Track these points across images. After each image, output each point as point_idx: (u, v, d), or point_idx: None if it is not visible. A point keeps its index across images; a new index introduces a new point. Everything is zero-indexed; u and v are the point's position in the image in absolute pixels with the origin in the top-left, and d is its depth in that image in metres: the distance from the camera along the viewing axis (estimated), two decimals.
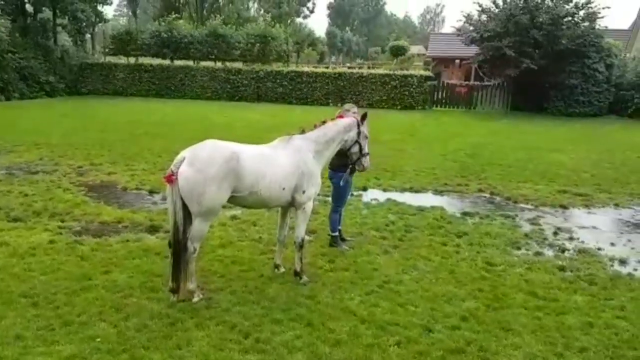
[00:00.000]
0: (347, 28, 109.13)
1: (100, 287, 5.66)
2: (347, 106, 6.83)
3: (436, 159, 13.61)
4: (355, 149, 6.27)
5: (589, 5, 25.30)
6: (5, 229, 7.47)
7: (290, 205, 5.99)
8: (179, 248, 5.25)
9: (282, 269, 6.28)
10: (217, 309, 5.28)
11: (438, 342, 4.81)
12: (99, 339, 4.66)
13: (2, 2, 29.36)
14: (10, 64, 26.06)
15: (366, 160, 6.42)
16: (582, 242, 7.82)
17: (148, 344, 4.61)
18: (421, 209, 9.21)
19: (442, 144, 16.29)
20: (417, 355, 4.61)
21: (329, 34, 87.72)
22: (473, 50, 28.87)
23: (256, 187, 5.41)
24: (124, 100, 28.29)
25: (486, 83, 29.64)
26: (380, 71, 32.00)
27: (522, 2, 25.55)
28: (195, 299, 5.38)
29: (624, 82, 25.76)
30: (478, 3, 27.44)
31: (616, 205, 10.07)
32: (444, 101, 29.20)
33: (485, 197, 10.48)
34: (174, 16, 33.60)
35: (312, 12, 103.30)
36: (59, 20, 32.47)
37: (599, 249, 7.53)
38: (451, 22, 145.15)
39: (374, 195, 10.16)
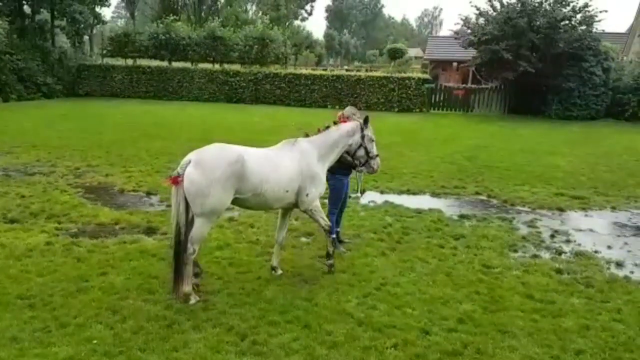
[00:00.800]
0: (345, 31, 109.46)
1: (97, 289, 5.65)
2: (348, 110, 6.84)
3: (433, 162, 13.62)
4: (361, 152, 6.36)
5: (586, 9, 25.36)
6: (2, 230, 7.46)
7: (294, 207, 6.08)
8: (179, 249, 5.32)
9: (280, 272, 6.28)
10: (214, 310, 5.27)
11: (435, 344, 4.81)
12: (95, 341, 4.65)
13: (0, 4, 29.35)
14: (7, 65, 26.06)
15: (375, 163, 6.48)
16: (579, 244, 7.83)
17: (144, 346, 4.60)
18: (419, 212, 9.22)
19: (440, 146, 16.32)
20: (414, 357, 4.61)
21: (327, 36, 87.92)
22: (471, 53, 28.92)
23: (260, 190, 5.52)
24: (122, 102, 28.26)
25: (484, 86, 29.71)
26: (378, 74, 32.03)
27: (519, 5, 25.58)
28: (192, 301, 5.39)
29: (621, 85, 25.81)
30: (476, 6, 27.52)
31: (613, 208, 10.08)
32: (441, 104, 29.22)
33: (482, 199, 10.50)
34: (172, 18, 33.62)
35: (310, 14, 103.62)
36: (57, 22, 32.51)
37: (596, 251, 7.54)
38: (449, 25, 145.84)
39: (371, 197, 10.16)
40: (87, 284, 5.77)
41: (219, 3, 71.64)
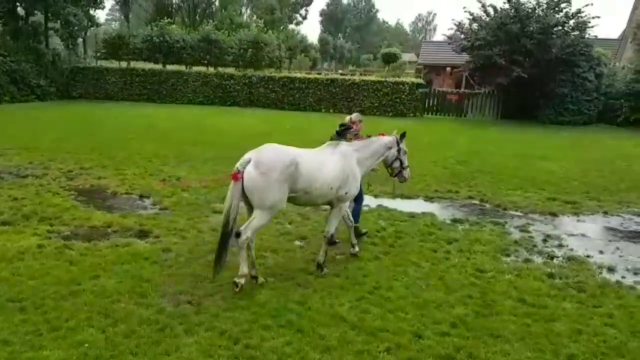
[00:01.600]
0: (339, 35, 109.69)
1: (89, 292, 5.63)
2: (355, 116, 7.61)
3: (427, 166, 13.64)
4: (397, 163, 7.15)
5: (579, 15, 25.54)
6: None
7: (332, 203, 6.59)
8: (226, 239, 5.76)
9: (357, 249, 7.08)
10: (206, 314, 5.26)
11: (427, 348, 4.82)
12: (87, 345, 4.62)
13: None
14: (1, 67, 25.90)
15: (407, 172, 7.31)
16: (571, 249, 7.87)
17: (136, 350, 4.59)
18: (412, 216, 9.25)
19: (433, 150, 16.35)
20: None
21: (321, 40, 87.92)
22: (464, 58, 29.03)
23: (310, 189, 6.09)
24: (115, 104, 28.18)
25: (477, 91, 29.83)
26: (372, 78, 32.12)
27: (512, 11, 25.72)
28: (242, 281, 5.81)
29: (613, 91, 25.98)
30: (469, 12, 27.63)
31: (605, 213, 10.14)
32: (435, 109, 29.29)
33: (475, 204, 10.53)
34: (166, 21, 33.56)
35: (304, 18, 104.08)
36: (50, 24, 32.35)
37: (588, 256, 7.58)
38: (442, 30, 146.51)
39: (365, 201, 10.14)
40: (79, 287, 5.74)
41: (213, 6, 71.69)
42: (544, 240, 8.25)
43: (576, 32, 25.64)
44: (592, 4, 25.93)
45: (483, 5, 26.95)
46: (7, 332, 4.77)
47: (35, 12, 31.27)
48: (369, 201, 10.17)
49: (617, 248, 8.10)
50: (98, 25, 40.77)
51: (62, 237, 7.42)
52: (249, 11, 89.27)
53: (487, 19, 26.84)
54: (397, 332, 5.07)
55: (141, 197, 9.91)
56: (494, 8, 26.64)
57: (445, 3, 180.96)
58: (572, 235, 8.65)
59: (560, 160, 15.41)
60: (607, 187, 12.15)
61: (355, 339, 4.93)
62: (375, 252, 7.34)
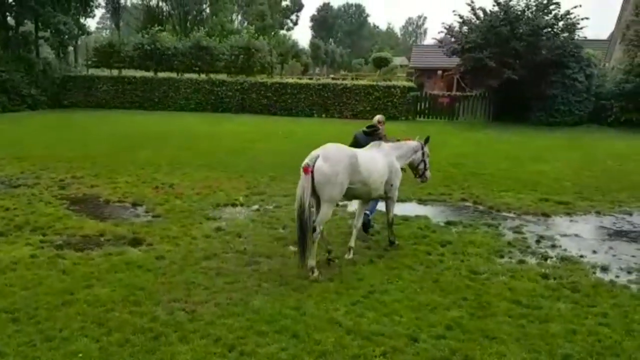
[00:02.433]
0: (330, 40, 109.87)
1: (82, 302, 5.59)
2: (381, 117, 8.57)
3: None
4: (421, 165, 8.13)
5: (568, 17, 25.68)
6: None
7: (380, 196, 7.56)
8: (305, 227, 6.26)
9: (352, 254, 7.28)
10: (201, 322, 5.24)
11: (423, 351, 4.82)
12: (80, 355, 4.60)
13: None
14: None
15: (428, 173, 8.27)
16: (565, 249, 7.89)
17: (131, 359, 4.56)
18: (405, 219, 9.25)
19: None
20: None
21: (312, 45, 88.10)
22: (455, 61, 29.15)
23: (367, 181, 6.94)
24: (107, 112, 28.09)
25: (468, 94, 29.94)
26: (364, 82, 32.14)
27: (502, 13, 25.84)
28: (315, 274, 6.39)
29: (604, 91, 26.12)
30: (459, 15, 27.73)
31: (597, 213, 10.18)
32: (426, 112, 29.36)
33: (468, 206, 10.56)
34: (157, 28, 33.58)
35: (295, 24, 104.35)
36: (41, 33, 32.31)
37: (582, 256, 7.60)
38: (433, 33, 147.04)
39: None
40: (72, 297, 5.71)
41: (204, 13, 71.59)
42: (538, 241, 8.27)
43: (565, 34, 25.79)
44: (580, 6, 25.93)
45: (473, 8, 27.08)
46: (0, 343, 4.73)
47: (25, 21, 31.18)
48: None
49: (610, 247, 8.13)
50: (89, 33, 40.66)
51: (54, 246, 7.37)
52: (240, 18, 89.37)
53: (477, 21, 26.95)
54: (392, 336, 5.06)
55: (134, 205, 9.87)
56: (484, 11, 26.76)
57: (436, 7, 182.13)
58: (565, 235, 8.67)
59: (552, 161, 15.47)
60: (599, 187, 12.20)
61: (350, 344, 4.92)
62: (369, 255, 7.33)
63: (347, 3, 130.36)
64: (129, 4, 70.51)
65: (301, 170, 6.38)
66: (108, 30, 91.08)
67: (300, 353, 4.72)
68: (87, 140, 17.47)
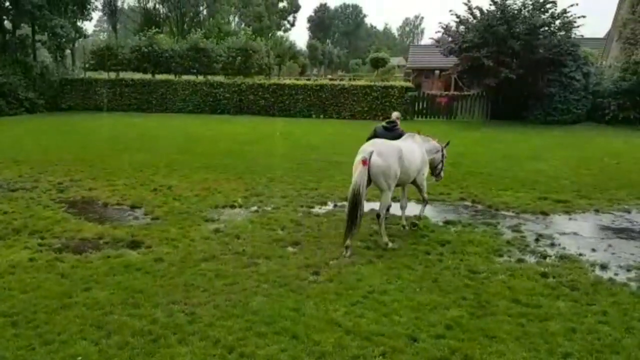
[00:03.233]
0: (327, 41, 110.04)
1: (81, 305, 5.59)
2: (397, 114, 9.68)
3: None
4: (440, 165, 9.11)
5: (564, 15, 25.71)
6: None
7: (412, 182, 8.44)
8: (357, 212, 7.09)
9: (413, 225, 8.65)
10: (200, 323, 5.23)
11: (423, 351, 4.82)
12: (80, 358, 4.59)
13: None
14: None
15: (442, 173, 9.28)
16: (564, 248, 7.89)
17: None
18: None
19: None
20: None
21: (310, 46, 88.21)
22: (452, 61, 29.18)
23: (409, 170, 7.90)
24: (105, 115, 28.07)
25: (466, 93, 29.96)
26: (362, 83, 32.14)
27: (499, 12, 25.86)
28: (390, 245, 7.63)
29: (601, 89, 26.14)
30: (456, 14, 27.76)
31: (596, 211, 10.19)
32: (425, 112, 29.37)
33: (467, 205, 10.56)
34: (154, 31, 33.53)
35: (293, 25, 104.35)
36: (38, 37, 32.25)
37: (580, 254, 7.60)
38: (430, 33, 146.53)
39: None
40: (70, 300, 5.70)
41: (201, 15, 71.69)
42: (537, 240, 8.27)
43: (562, 32, 25.83)
44: (577, 4, 25.94)
45: (469, 8, 27.10)
46: None
47: (22, 25, 31.14)
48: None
49: (609, 245, 8.13)
50: (86, 36, 40.53)
51: (53, 249, 7.36)
52: (237, 19, 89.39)
53: (474, 21, 26.96)
54: (392, 336, 5.06)
55: (132, 207, 9.85)
56: (480, 10, 26.78)
57: (433, 6, 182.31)
58: (564, 234, 8.68)
59: (550, 160, 15.49)
60: (597, 185, 12.21)
61: (350, 344, 4.91)
62: (368, 256, 7.33)
63: (344, 4, 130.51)
64: (125, 6, 70.58)
65: (358, 163, 7.29)
66: (105, 33, 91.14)
67: (299, 354, 4.72)
68: (85, 143, 17.45)
